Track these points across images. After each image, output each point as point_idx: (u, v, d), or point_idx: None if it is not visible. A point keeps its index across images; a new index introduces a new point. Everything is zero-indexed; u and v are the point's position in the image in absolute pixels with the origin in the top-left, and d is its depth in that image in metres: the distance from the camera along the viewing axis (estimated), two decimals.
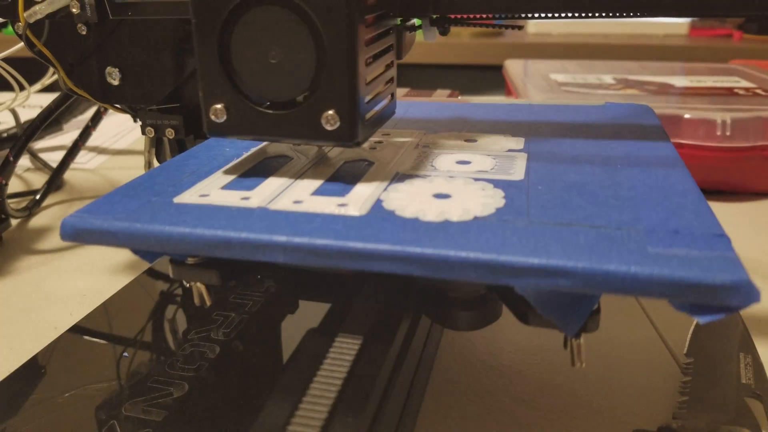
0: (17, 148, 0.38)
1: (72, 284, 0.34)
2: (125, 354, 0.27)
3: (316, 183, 0.22)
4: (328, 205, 0.20)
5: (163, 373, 0.24)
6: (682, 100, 0.47)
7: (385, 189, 0.21)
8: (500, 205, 0.20)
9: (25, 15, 0.28)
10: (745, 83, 0.53)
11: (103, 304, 0.30)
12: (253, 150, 0.26)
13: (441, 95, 0.45)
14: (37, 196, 0.44)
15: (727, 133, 0.42)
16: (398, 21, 0.23)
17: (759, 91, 0.51)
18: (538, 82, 0.53)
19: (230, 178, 0.23)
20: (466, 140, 0.27)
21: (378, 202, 0.20)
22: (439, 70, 1.10)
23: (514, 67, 0.60)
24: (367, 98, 0.21)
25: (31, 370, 0.26)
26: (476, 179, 0.22)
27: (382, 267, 0.17)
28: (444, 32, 0.25)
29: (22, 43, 0.32)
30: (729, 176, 0.44)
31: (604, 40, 0.99)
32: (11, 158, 0.38)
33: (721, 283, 0.15)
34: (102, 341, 0.28)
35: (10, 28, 0.31)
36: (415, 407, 0.23)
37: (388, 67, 0.23)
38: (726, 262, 0.16)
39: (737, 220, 0.41)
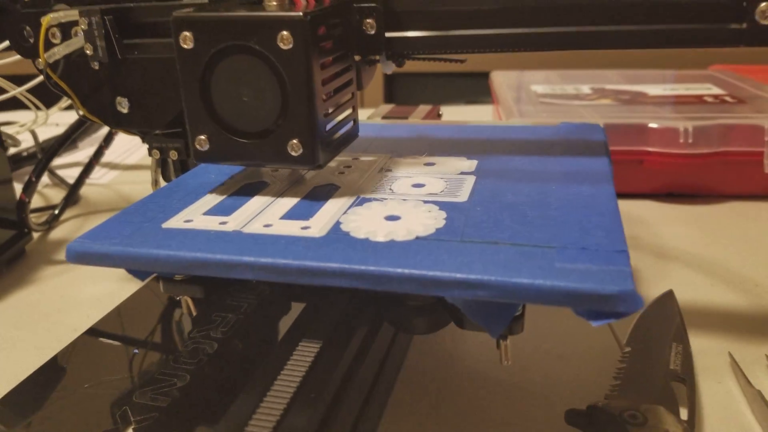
0: (39, 169, 0.42)
1: (88, 291, 0.38)
2: (136, 351, 0.30)
3: (286, 207, 0.25)
4: (293, 227, 0.23)
5: (169, 366, 0.27)
6: (651, 109, 0.50)
7: (345, 212, 0.24)
8: (440, 225, 0.22)
9: (45, 55, 0.32)
10: (716, 90, 0.56)
11: (116, 308, 0.33)
12: (234, 175, 0.29)
13: (422, 111, 0.48)
14: (56, 211, 0.48)
15: (690, 141, 0.45)
16: (357, 58, 0.27)
17: (727, 98, 0.53)
18: (518, 94, 0.56)
19: (212, 203, 0.26)
20: (425, 164, 0.29)
21: (336, 225, 0.23)
22: (426, 79, 1.12)
23: (499, 79, 0.63)
24: (328, 127, 0.25)
25: (53, 368, 0.29)
26: (426, 201, 0.25)
27: (334, 282, 0.20)
28: (400, 65, 0.28)
29: (41, 77, 0.36)
30: (692, 181, 0.47)
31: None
32: (33, 178, 0.42)
33: (609, 292, 0.18)
34: (116, 341, 0.31)
35: None
36: (379, 404, 0.26)
37: (349, 97, 0.27)
38: (618, 275, 0.18)
39: (699, 221, 0.44)
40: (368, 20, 0.25)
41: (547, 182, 0.26)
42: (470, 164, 0.29)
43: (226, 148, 0.25)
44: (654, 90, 0.57)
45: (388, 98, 1.19)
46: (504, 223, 0.22)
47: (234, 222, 0.23)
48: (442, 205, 0.24)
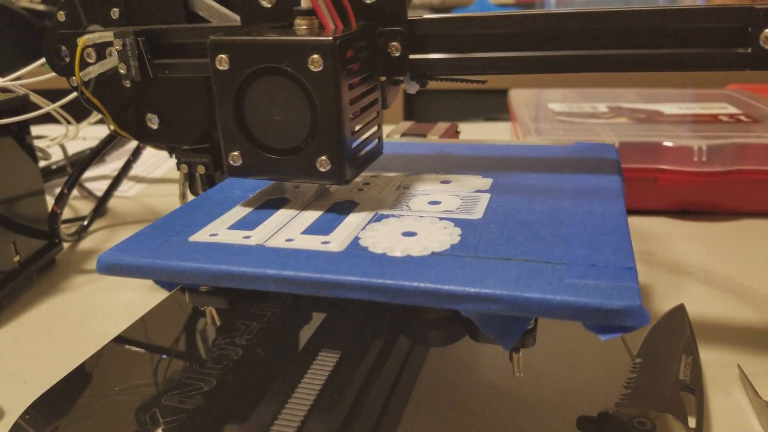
0: (71, 181, 0.44)
1: (117, 299, 0.39)
2: (164, 356, 0.31)
3: (307, 223, 0.26)
4: (314, 242, 0.24)
5: (196, 371, 0.28)
6: (666, 128, 0.51)
7: (364, 228, 0.25)
8: (455, 242, 0.23)
9: (80, 74, 0.33)
10: (731, 110, 0.57)
11: (143, 316, 0.35)
12: (257, 191, 0.30)
13: (441, 128, 0.50)
14: (85, 222, 0.50)
15: (704, 159, 0.46)
16: (382, 78, 0.28)
17: (742, 117, 0.54)
18: (535, 112, 0.57)
19: (236, 218, 0.27)
20: (441, 181, 0.30)
21: (355, 240, 0.24)
22: (445, 96, 1.13)
23: (517, 97, 0.64)
24: (354, 144, 0.26)
25: (83, 373, 0.30)
26: (441, 218, 0.26)
27: (353, 294, 0.21)
28: (423, 85, 0.29)
29: (74, 93, 0.37)
30: (706, 198, 0.47)
31: None
32: (65, 191, 0.43)
33: (617, 307, 0.18)
34: (143, 347, 0.32)
35: None
36: (395, 413, 0.27)
37: (375, 116, 0.28)
38: (625, 291, 0.19)
39: (712, 238, 0.45)
40: (393, 43, 0.27)
41: (559, 200, 0.27)
42: (485, 182, 0.30)
43: (258, 164, 0.26)
44: (670, 109, 0.58)
45: (408, 115, 1.20)
46: (517, 240, 0.23)
47: (257, 236, 0.25)
48: (458, 222, 0.25)
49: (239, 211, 0.27)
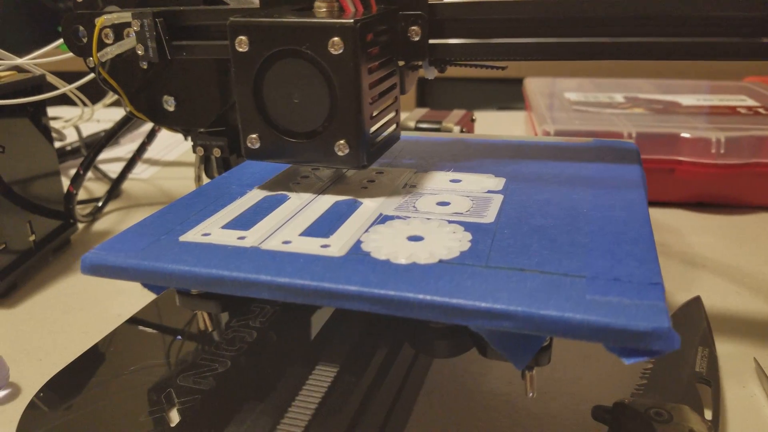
0: (86, 163, 0.44)
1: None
2: (178, 337, 0.31)
3: (306, 223, 0.24)
4: (312, 245, 0.22)
5: (210, 353, 0.29)
6: (684, 119, 0.50)
7: (366, 230, 0.23)
8: (465, 248, 0.21)
9: (98, 55, 0.33)
10: (750, 102, 0.56)
11: (158, 296, 0.35)
12: (255, 188, 0.28)
13: (456, 116, 0.49)
14: (99, 204, 0.50)
15: (722, 151, 0.45)
16: (401, 63, 0.28)
17: (761, 110, 0.53)
18: (552, 101, 0.57)
19: (231, 217, 0.25)
20: (450, 180, 0.28)
21: (357, 244, 0.22)
22: (460, 84, 1.13)
23: (532, 86, 0.64)
24: (372, 129, 0.26)
25: (98, 352, 0.30)
26: (450, 221, 0.24)
27: (353, 305, 0.19)
28: (442, 70, 0.29)
29: (92, 74, 0.37)
30: (723, 191, 0.47)
31: None
32: (81, 171, 0.43)
33: (644, 330, 0.17)
34: (157, 329, 0.33)
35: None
36: (402, 418, 0.26)
37: (393, 101, 0.28)
38: (652, 311, 0.17)
39: (728, 230, 0.44)
40: (413, 27, 0.27)
41: (577, 204, 0.25)
42: (497, 182, 0.28)
43: (276, 147, 0.26)
44: (687, 100, 0.57)
45: (420, 103, 1.20)
46: (532, 248, 0.21)
47: (252, 237, 0.23)
48: (468, 226, 0.23)
49: (235, 209, 0.26)
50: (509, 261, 0.21)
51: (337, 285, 0.19)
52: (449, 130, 0.47)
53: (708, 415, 0.26)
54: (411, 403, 0.28)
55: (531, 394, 0.21)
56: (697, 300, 0.34)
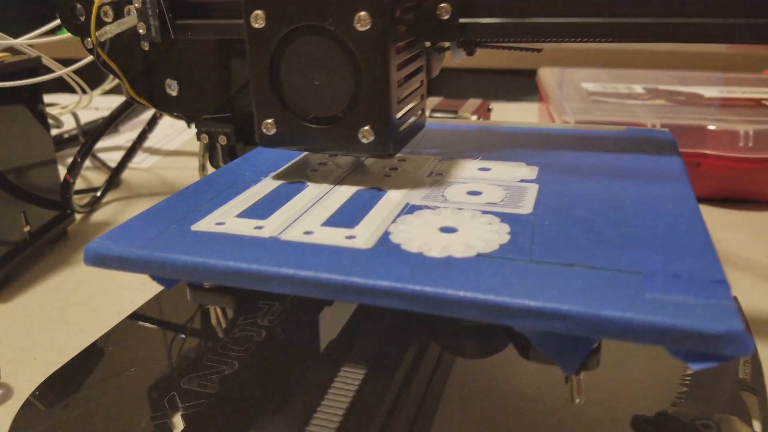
0: (84, 150, 0.42)
1: (132, 274, 0.37)
2: (181, 336, 0.30)
3: (328, 212, 0.22)
4: (336, 236, 0.20)
5: (216, 354, 0.27)
6: (708, 111, 0.49)
7: (394, 221, 0.21)
8: (504, 241, 0.20)
9: (96, 34, 0.31)
10: None
11: (160, 292, 0.33)
12: (271, 174, 0.27)
13: (472, 105, 0.47)
14: (98, 194, 0.48)
15: (750, 144, 0.43)
16: (427, 44, 0.26)
17: None
18: (569, 91, 0.55)
19: (246, 204, 0.23)
20: (479, 168, 0.27)
21: (385, 235, 0.20)
22: (473, 75, 1.11)
23: (547, 76, 0.62)
24: (399, 114, 0.24)
25: (97, 351, 0.28)
26: (484, 212, 0.22)
27: (384, 302, 0.18)
28: (470, 53, 0.27)
29: (90, 57, 0.35)
30: (751, 186, 0.45)
31: (640, 47, 0.99)
32: (78, 159, 0.41)
33: (715, 332, 0.15)
34: (160, 326, 0.31)
35: (65, 29, 0.35)
36: (424, 429, 0.24)
37: (419, 85, 0.26)
38: (722, 311, 0.16)
39: (757, 227, 0.43)
40: (443, 5, 0.24)
41: (620, 195, 0.24)
42: (530, 171, 0.26)
43: (293, 133, 0.24)
44: (710, 92, 0.55)
45: (429, 93, 1.18)
46: (578, 241, 0.20)
47: (271, 227, 0.21)
48: (504, 217, 0.22)
49: (250, 197, 0.24)
50: (555, 255, 0.19)
51: (367, 280, 0.18)
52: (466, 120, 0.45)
53: (757, 426, 0.24)
54: (434, 408, 0.26)
55: (578, 401, 0.19)
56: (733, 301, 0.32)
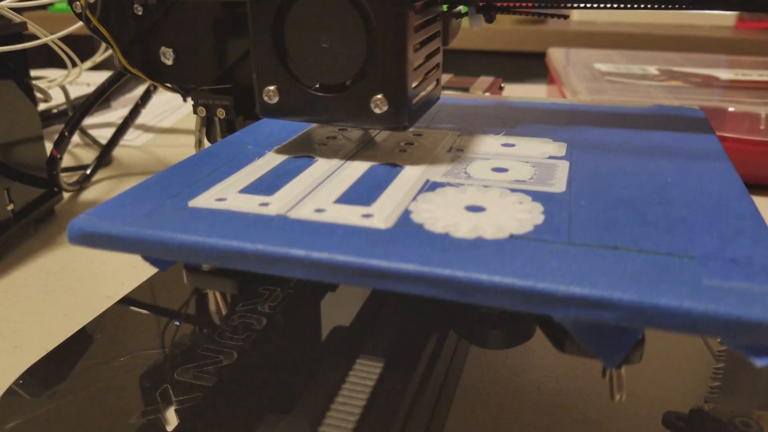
0: (72, 123, 0.40)
1: (122, 255, 0.35)
2: (176, 323, 0.28)
3: (341, 189, 0.21)
4: (351, 215, 0.19)
5: (213, 342, 0.25)
6: (726, 93, 0.47)
7: (414, 198, 0.20)
8: (539, 221, 0.18)
9: None
10: None
11: (153, 275, 0.32)
12: (276, 147, 0.25)
13: (484, 82, 0.45)
14: (88, 171, 0.46)
15: None
16: (444, 8, 0.24)
17: None
18: (582, 72, 0.53)
19: (250, 179, 0.22)
20: (503, 144, 0.25)
21: (406, 213, 0.19)
22: (482, 57, 1.10)
23: (557, 56, 0.60)
24: (414, 83, 0.22)
25: (84, 338, 0.27)
26: (513, 190, 0.21)
27: (408, 288, 0.16)
28: (490, 20, 0.25)
29: (80, 23, 0.33)
30: None
31: (649, 29, 0.97)
32: (66, 133, 0.39)
33: None
34: (152, 311, 0.29)
35: (58, 5, 0.32)
36: (440, 425, 0.23)
37: (435, 53, 0.24)
38: None
39: None
40: None
41: (659, 174, 0.22)
42: (558, 147, 0.25)
43: (298, 102, 0.22)
44: (725, 74, 0.53)
45: None
46: (620, 222, 0.18)
47: (278, 204, 0.19)
48: (536, 196, 0.20)
49: (254, 171, 0.22)
50: (597, 237, 0.17)
51: (390, 263, 0.16)
52: None
53: None
54: (449, 402, 0.24)
55: (619, 397, 0.18)
56: None
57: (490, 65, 1.12)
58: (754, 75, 0.53)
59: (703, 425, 0.21)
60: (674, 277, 0.15)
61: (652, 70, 0.55)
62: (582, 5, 0.23)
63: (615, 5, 0.23)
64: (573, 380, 0.25)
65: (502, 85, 0.47)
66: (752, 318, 0.14)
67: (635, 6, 0.23)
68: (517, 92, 0.69)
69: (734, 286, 0.15)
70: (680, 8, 0.23)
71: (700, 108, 0.42)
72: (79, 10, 0.31)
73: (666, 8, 0.23)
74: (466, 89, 0.43)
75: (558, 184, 0.21)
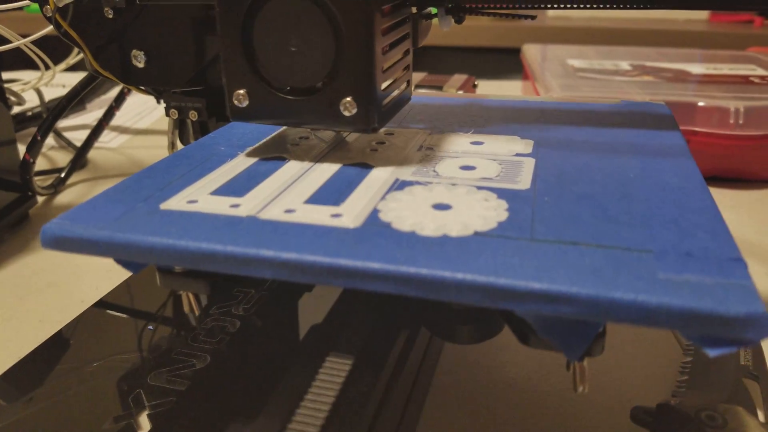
0: (45, 127, 0.39)
1: (97, 259, 0.35)
2: (150, 327, 0.28)
3: (311, 189, 0.21)
4: (321, 215, 0.19)
5: (186, 346, 0.25)
6: (697, 88, 0.48)
7: (383, 197, 0.20)
8: (502, 218, 0.19)
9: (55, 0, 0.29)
10: (761, 71, 0.53)
11: (127, 279, 0.31)
12: (249, 148, 0.25)
13: (458, 80, 0.46)
14: (62, 174, 0.45)
15: (740, 122, 0.42)
16: (414, 9, 0.24)
17: None
18: (555, 68, 0.53)
19: (221, 181, 0.22)
20: (472, 142, 0.25)
21: (374, 213, 0.19)
22: (457, 53, 1.10)
23: (531, 52, 0.60)
24: (384, 85, 0.22)
25: (58, 343, 0.27)
26: (479, 188, 0.21)
27: (375, 286, 0.16)
28: (459, 21, 0.25)
29: (51, 26, 0.33)
30: (741, 164, 0.44)
31: (623, 25, 0.98)
32: (38, 137, 0.39)
33: (735, 315, 0.14)
34: (127, 315, 0.29)
35: (33, 6, 0.32)
36: (412, 423, 0.23)
37: (405, 54, 0.24)
38: (741, 292, 0.15)
39: (746, 206, 0.42)
40: None
41: (622, 170, 0.22)
42: (525, 145, 0.25)
43: (268, 105, 0.22)
44: (696, 69, 0.54)
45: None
46: (582, 218, 0.18)
47: (248, 205, 0.20)
48: (501, 193, 0.20)
49: (225, 173, 0.22)
50: (558, 233, 0.17)
51: (356, 262, 0.16)
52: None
53: (761, 416, 0.23)
54: (423, 398, 0.24)
55: (581, 389, 0.18)
56: None
57: (464, 62, 1.12)
58: (725, 69, 0.54)
59: (670, 419, 0.22)
60: (631, 272, 0.16)
61: (625, 65, 0.55)
62: (549, 6, 0.23)
63: (582, 5, 0.23)
64: (545, 376, 0.25)
65: (476, 82, 0.48)
66: (704, 310, 0.14)
67: (595, 6, 0.23)
68: (491, 89, 0.70)
69: (688, 279, 0.15)
70: (647, 8, 0.23)
71: (670, 103, 0.43)
72: (49, 14, 0.31)
73: (630, 8, 0.23)
74: (439, 87, 0.44)
75: (523, 181, 0.21)
